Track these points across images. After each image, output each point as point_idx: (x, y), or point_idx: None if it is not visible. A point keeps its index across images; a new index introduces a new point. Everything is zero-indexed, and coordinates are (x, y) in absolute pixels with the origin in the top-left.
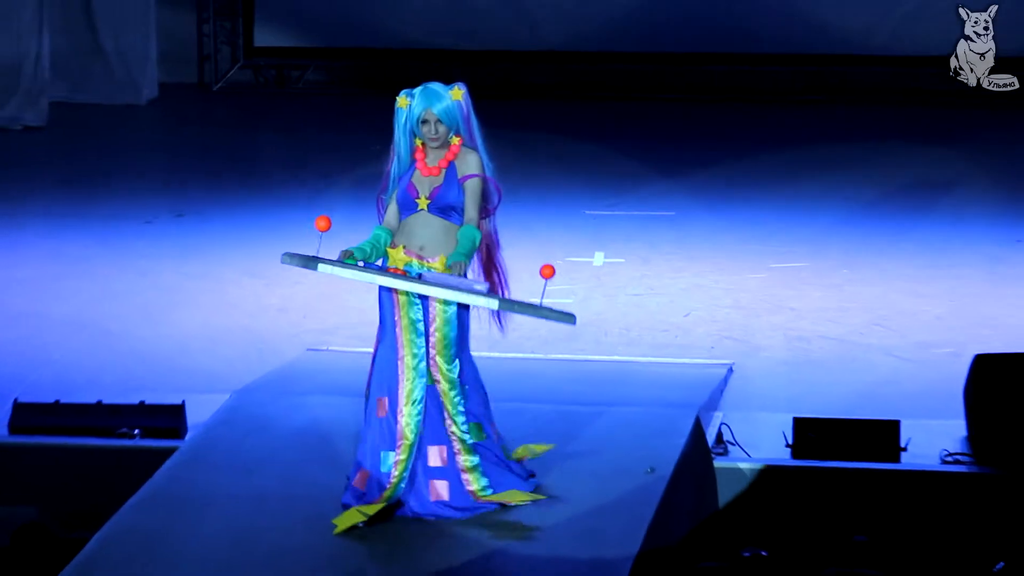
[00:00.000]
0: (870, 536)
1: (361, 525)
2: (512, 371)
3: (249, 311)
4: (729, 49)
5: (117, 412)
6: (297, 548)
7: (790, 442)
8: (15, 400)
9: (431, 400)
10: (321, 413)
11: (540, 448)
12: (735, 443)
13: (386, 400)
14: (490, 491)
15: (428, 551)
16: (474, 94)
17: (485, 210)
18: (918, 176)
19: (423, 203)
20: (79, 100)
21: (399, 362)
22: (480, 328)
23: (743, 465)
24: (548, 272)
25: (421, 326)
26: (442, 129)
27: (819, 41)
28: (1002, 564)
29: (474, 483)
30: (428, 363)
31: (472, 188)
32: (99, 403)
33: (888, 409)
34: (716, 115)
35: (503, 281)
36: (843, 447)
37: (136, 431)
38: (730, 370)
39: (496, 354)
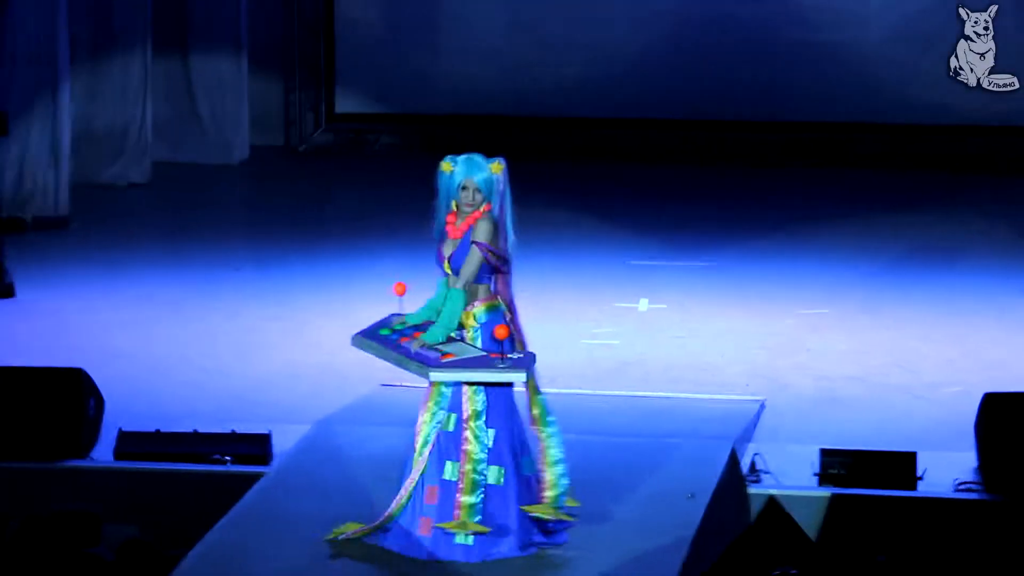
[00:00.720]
0: (890, 557)
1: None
2: (563, 405)
3: (327, 349)
4: (764, 118)
5: (210, 440)
6: (370, 568)
7: (817, 471)
8: (120, 429)
9: (447, 442)
10: (394, 443)
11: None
12: (767, 472)
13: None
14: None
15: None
16: (531, 156)
17: (499, 279)
18: (935, 235)
19: (447, 267)
20: (179, 160)
21: (422, 406)
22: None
23: (774, 492)
24: (503, 333)
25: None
26: (479, 197)
27: (847, 110)
28: None
29: (464, 516)
30: (460, 412)
31: (473, 252)
32: (194, 432)
33: (905, 442)
34: (751, 178)
35: (516, 346)
36: (865, 476)
37: (227, 458)
38: (762, 406)
39: (550, 390)
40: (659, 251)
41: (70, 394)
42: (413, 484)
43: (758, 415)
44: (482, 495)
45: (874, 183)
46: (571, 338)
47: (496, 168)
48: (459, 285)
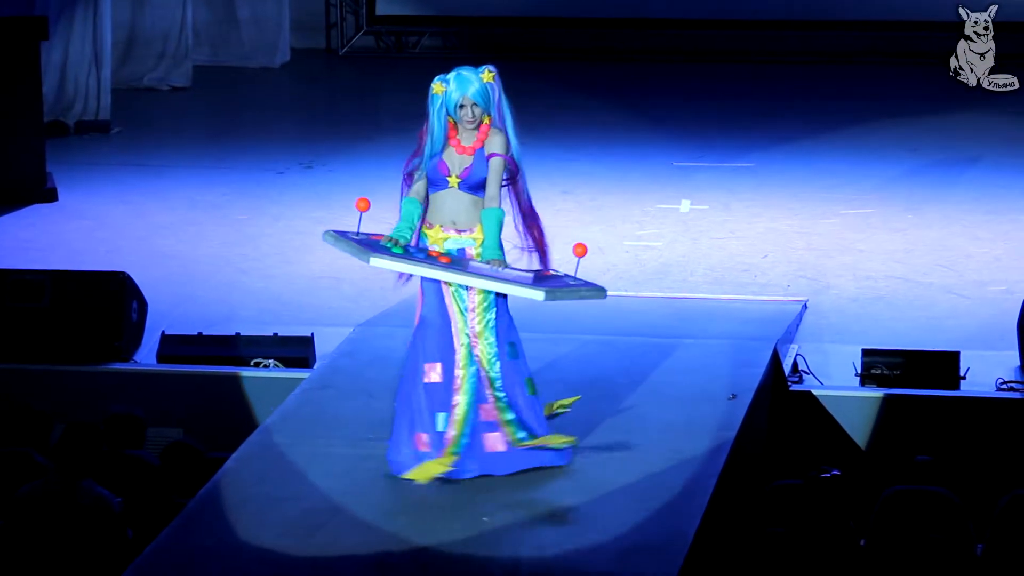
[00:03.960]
0: (932, 456)
1: (443, 475)
2: (605, 307)
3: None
4: (806, 17)
5: (253, 343)
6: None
7: (859, 371)
8: (163, 332)
9: (477, 367)
10: None
11: (567, 401)
12: (809, 372)
13: (439, 365)
14: (527, 438)
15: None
16: (573, 57)
17: (514, 186)
18: (979, 130)
19: (454, 181)
20: (220, 63)
21: (453, 328)
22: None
23: (816, 392)
24: (580, 251)
25: (465, 293)
26: (477, 111)
27: (889, 7)
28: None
29: (511, 435)
30: (471, 329)
31: (494, 166)
32: (237, 335)
33: (948, 341)
34: (792, 75)
35: (545, 249)
36: (908, 376)
37: (270, 361)
38: (804, 306)
39: None
40: (702, 152)
41: (113, 297)
42: (468, 408)
43: (800, 315)
44: (512, 411)
45: (920, 81)
46: (614, 240)
47: (488, 76)
48: (496, 204)
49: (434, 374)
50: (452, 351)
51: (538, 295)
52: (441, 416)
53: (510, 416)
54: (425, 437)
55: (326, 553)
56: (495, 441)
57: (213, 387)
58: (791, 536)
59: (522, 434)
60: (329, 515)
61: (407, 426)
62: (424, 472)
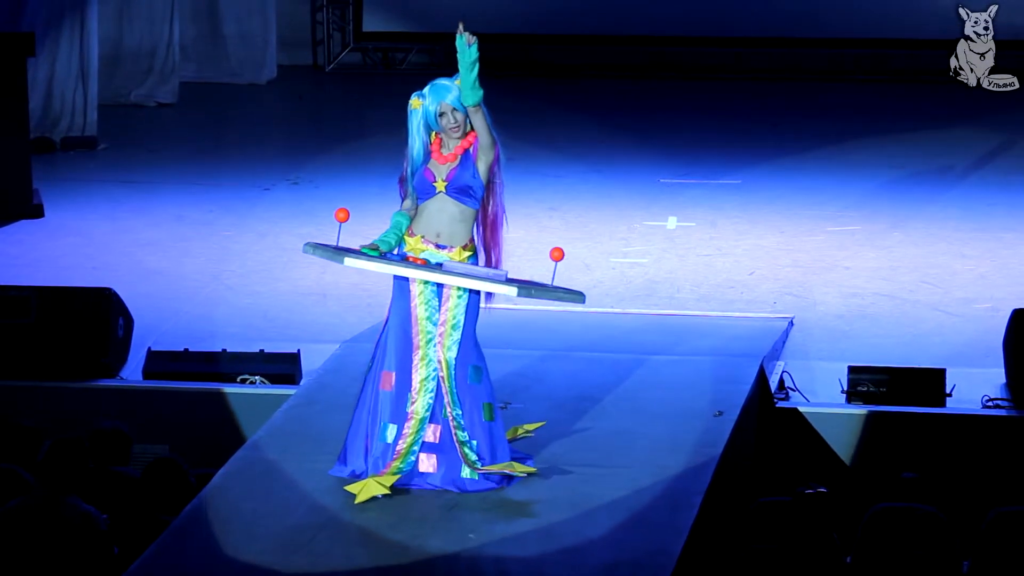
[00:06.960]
0: (918, 474)
1: (380, 497)
2: (592, 324)
3: (356, 269)
4: (791, 34)
5: (239, 359)
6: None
7: (845, 388)
8: (148, 348)
9: (437, 382)
10: None
11: (532, 427)
12: (795, 389)
13: (393, 375)
14: (480, 464)
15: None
16: (560, 74)
17: (490, 192)
18: (964, 147)
19: (441, 185)
20: (206, 80)
21: (414, 339)
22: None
23: (802, 409)
24: (557, 255)
25: (436, 313)
26: (459, 116)
27: (873, 26)
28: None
29: (468, 456)
30: (435, 346)
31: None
32: (223, 351)
33: (934, 358)
34: (778, 93)
35: (498, 260)
36: (894, 393)
37: (256, 378)
38: (791, 323)
39: (578, 308)
40: (688, 169)
41: (99, 313)
42: (420, 423)
43: (787, 332)
44: (466, 432)
45: (905, 98)
46: (601, 257)
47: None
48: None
49: (388, 383)
50: (409, 363)
51: (511, 291)
52: (392, 428)
53: (463, 436)
54: (376, 445)
55: (312, 569)
56: (429, 462)
57: (199, 403)
58: (777, 553)
59: (473, 456)
60: (315, 531)
61: (363, 432)
62: (366, 491)
